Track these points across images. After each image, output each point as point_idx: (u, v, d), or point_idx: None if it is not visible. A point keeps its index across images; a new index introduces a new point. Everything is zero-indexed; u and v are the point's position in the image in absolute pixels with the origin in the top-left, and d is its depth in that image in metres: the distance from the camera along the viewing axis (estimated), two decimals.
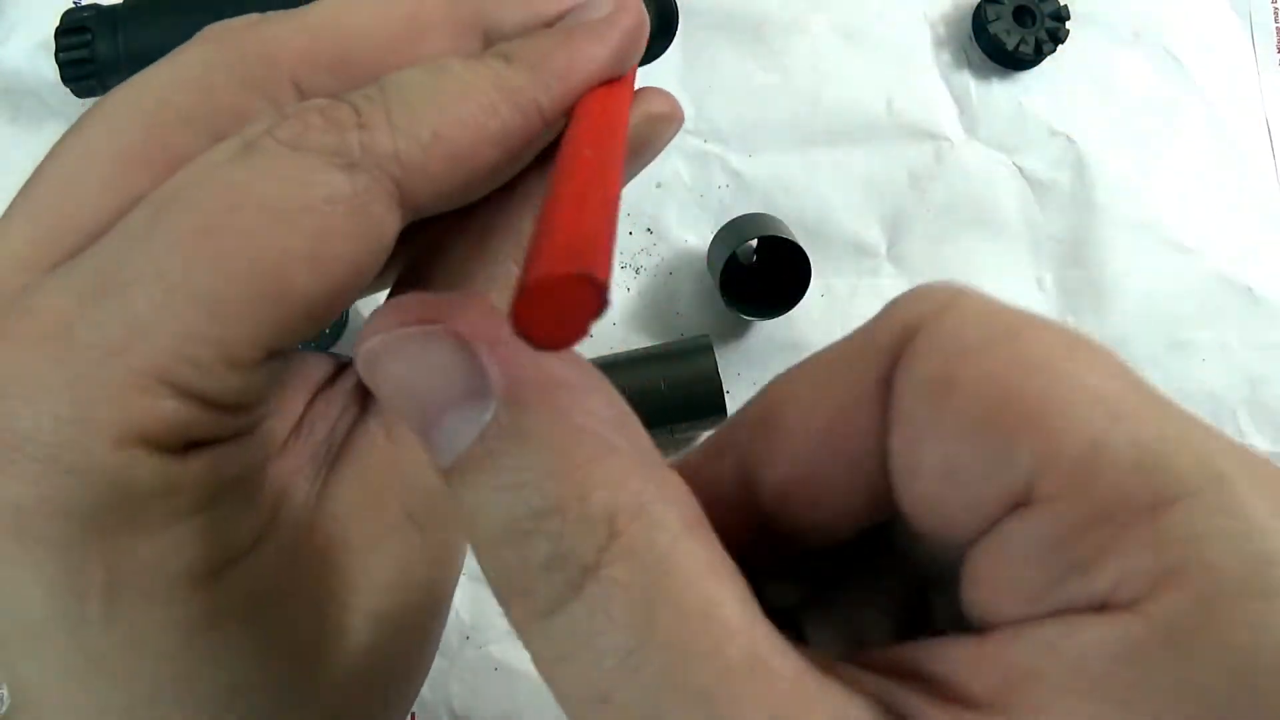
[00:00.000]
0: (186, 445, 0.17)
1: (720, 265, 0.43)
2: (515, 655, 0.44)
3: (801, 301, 0.44)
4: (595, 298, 0.12)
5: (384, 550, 0.19)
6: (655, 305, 0.47)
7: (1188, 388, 0.46)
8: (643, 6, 0.20)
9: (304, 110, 0.17)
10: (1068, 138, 0.49)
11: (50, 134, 0.49)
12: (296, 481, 0.19)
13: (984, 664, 0.13)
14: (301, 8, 0.19)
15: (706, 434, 0.46)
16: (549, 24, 0.20)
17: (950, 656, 0.14)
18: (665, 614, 0.12)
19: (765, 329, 0.46)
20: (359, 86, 0.18)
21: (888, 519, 0.16)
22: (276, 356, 0.17)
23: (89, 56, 0.47)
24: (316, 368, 0.20)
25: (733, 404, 0.45)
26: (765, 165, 0.48)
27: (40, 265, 0.17)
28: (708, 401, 0.42)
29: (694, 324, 0.47)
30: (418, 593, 0.20)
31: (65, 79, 0.47)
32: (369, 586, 0.19)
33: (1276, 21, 0.51)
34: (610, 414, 0.14)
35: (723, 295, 0.43)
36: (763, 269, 0.46)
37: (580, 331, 0.12)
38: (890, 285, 0.47)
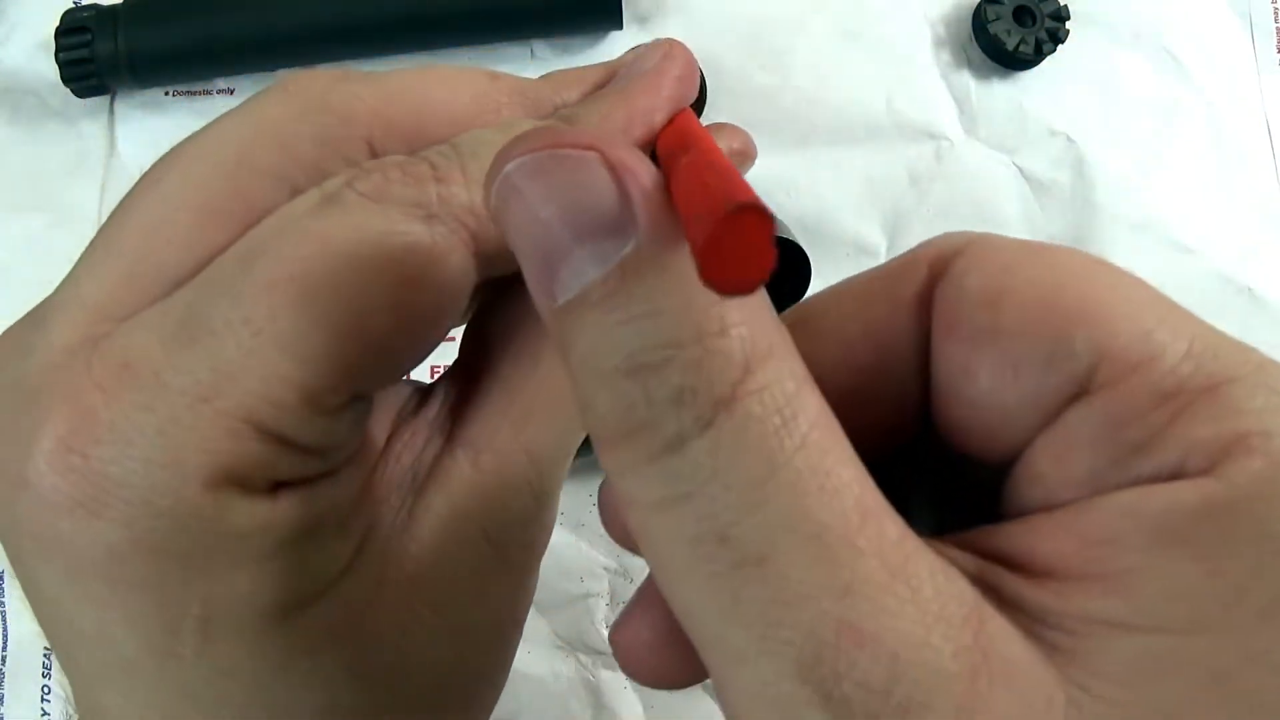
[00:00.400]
0: (275, 485, 0.17)
1: None
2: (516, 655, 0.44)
3: (802, 300, 0.43)
4: (764, 225, 0.12)
5: (466, 573, 0.19)
6: None
7: None
8: (689, 51, 0.21)
9: (383, 165, 0.18)
10: (1068, 138, 0.49)
11: (50, 134, 0.49)
12: (382, 510, 0.19)
13: (1058, 536, 0.14)
14: (379, 73, 0.19)
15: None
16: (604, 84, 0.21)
17: (1018, 535, 0.14)
18: (791, 453, 0.12)
19: None
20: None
21: (912, 440, 0.17)
22: (361, 400, 0.18)
23: (89, 56, 0.47)
24: (400, 396, 0.21)
25: None
26: (765, 165, 0.48)
27: (117, 314, 0.17)
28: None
29: None
30: (496, 613, 0.20)
31: (65, 79, 0.47)
32: (451, 607, 0.19)
33: (1276, 21, 0.51)
34: None
35: None
36: None
37: (768, 260, 0.12)
38: None
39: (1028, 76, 0.49)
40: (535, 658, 0.44)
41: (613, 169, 0.13)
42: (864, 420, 0.15)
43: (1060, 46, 0.48)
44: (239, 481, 0.16)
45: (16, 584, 0.45)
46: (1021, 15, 0.48)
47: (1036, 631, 0.13)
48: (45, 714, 0.43)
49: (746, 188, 0.13)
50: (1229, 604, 0.12)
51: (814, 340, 0.16)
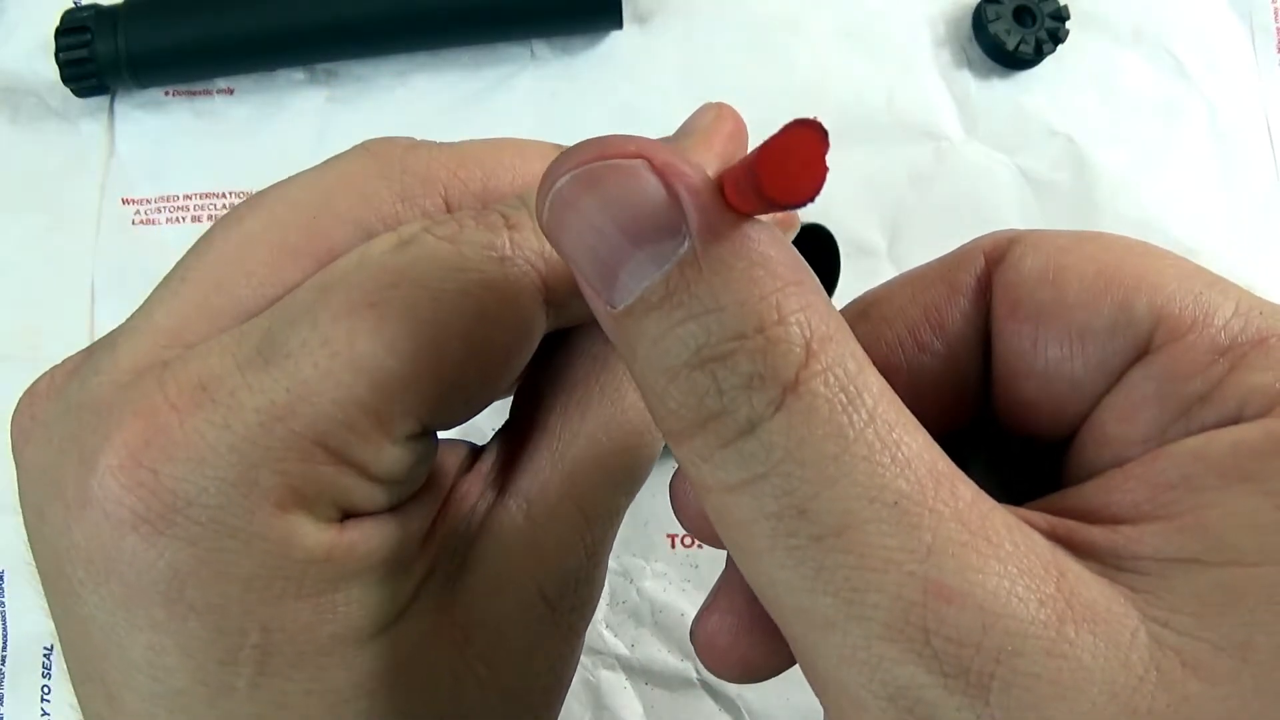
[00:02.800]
0: (344, 515, 0.17)
1: None
2: None
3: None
4: (822, 138, 0.12)
5: (518, 626, 0.20)
6: None
7: None
8: (737, 112, 0.23)
9: (458, 215, 0.18)
10: (1068, 138, 0.49)
11: (50, 134, 0.49)
12: (440, 559, 0.19)
13: (1129, 485, 0.14)
14: (453, 142, 0.20)
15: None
16: None
17: (1089, 492, 0.15)
18: (861, 428, 0.13)
19: None
20: None
21: (970, 427, 0.18)
22: (429, 435, 0.18)
23: (89, 56, 0.47)
24: (459, 454, 0.21)
25: None
26: None
27: (188, 340, 0.17)
28: None
29: None
30: (546, 668, 0.20)
31: (65, 79, 0.47)
32: (503, 663, 0.19)
33: (1276, 21, 0.51)
34: (790, 254, 0.14)
35: None
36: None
37: (820, 175, 0.13)
38: None
39: (1028, 76, 0.49)
40: None
41: (660, 173, 0.14)
42: (925, 406, 0.16)
43: (1060, 46, 0.48)
44: (309, 505, 0.16)
45: (17, 584, 0.45)
46: (1021, 15, 0.48)
47: (1113, 576, 0.14)
48: (45, 714, 0.43)
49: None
50: None
51: (878, 325, 0.17)
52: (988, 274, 0.17)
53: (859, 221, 0.48)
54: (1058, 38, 0.48)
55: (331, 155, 0.20)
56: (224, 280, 0.18)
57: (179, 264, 0.19)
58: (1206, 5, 0.50)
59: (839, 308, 0.50)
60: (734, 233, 0.14)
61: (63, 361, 0.19)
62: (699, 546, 0.45)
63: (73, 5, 0.49)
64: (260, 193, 0.19)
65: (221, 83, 0.50)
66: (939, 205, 0.48)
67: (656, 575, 0.44)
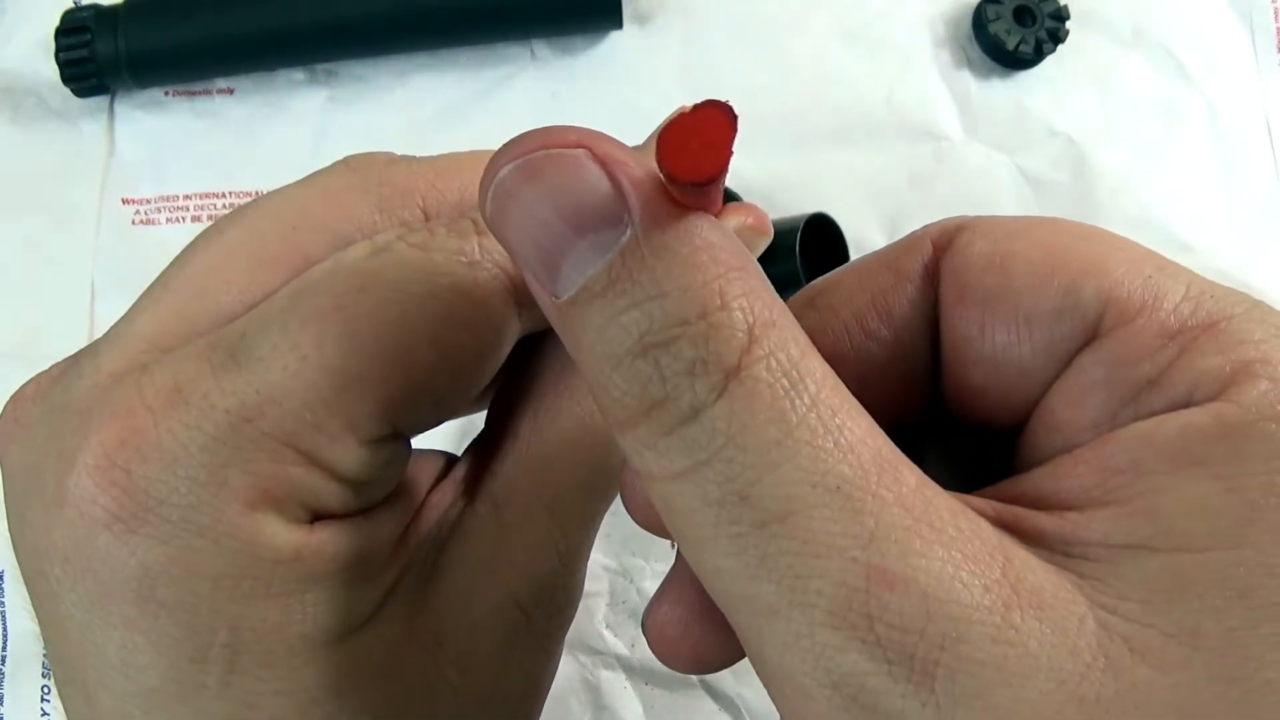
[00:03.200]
0: (314, 517, 0.17)
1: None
2: None
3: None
4: (729, 121, 0.13)
5: (491, 633, 0.20)
6: None
7: None
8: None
9: (432, 222, 0.19)
10: (1068, 138, 0.49)
11: (50, 134, 0.49)
12: (412, 565, 0.19)
13: (1078, 471, 0.14)
14: (433, 155, 0.21)
15: None
16: None
17: (1038, 478, 0.15)
18: (804, 413, 0.13)
19: None
20: None
21: (920, 418, 0.17)
22: (399, 439, 0.18)
23: (89, 56, 0.47)
24: (432, 463, 0.21)
25: None
26: (765, 165, 0.48)
27: (168, 345, 0.18)
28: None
29: None
30: (521, 675, 0.20)
31: (65, 79, 0.47)
32: (478, 671, 0.19)
33: (1276, 21, 0.51)
34: (732, 241, 0.14)
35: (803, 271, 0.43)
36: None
37: (723, 157, 0.13)
38: None
39: (1028, 76, 0.49)
40: None
41: (602, 162, 0.14)
42: (874, 393, 0.16)
43: (1060, 46, 0.48)
44: (278, 505, 0.17)
45: (17, 584, 0.45)
46: (1021, 15, 0.48)
47: (1061, 562, 0.13)
48: (45, 714, 0.43)
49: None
50: (1246, 520, 0.13)
51: (824, 313, 0.17)
52: (935, 261, 0.17)
53: (859, 221, 0.48)
54: (1058, 38, 0.48)
55: (331, 155, 0.20)
56: (204, 288, 0.18)
57: (162, 273, 0.19)
58: (1206, 5, 0.50)
59: None
60: (677, 220, 0.14)
61: (49, 367, 0.19)
62: None
63: (73, 5, 0.49)
64: (242, 206, 0.19)
65: (221, 83, 0.50)
66: (939, 205, 0.48)
67: (656, 575, 0.44)
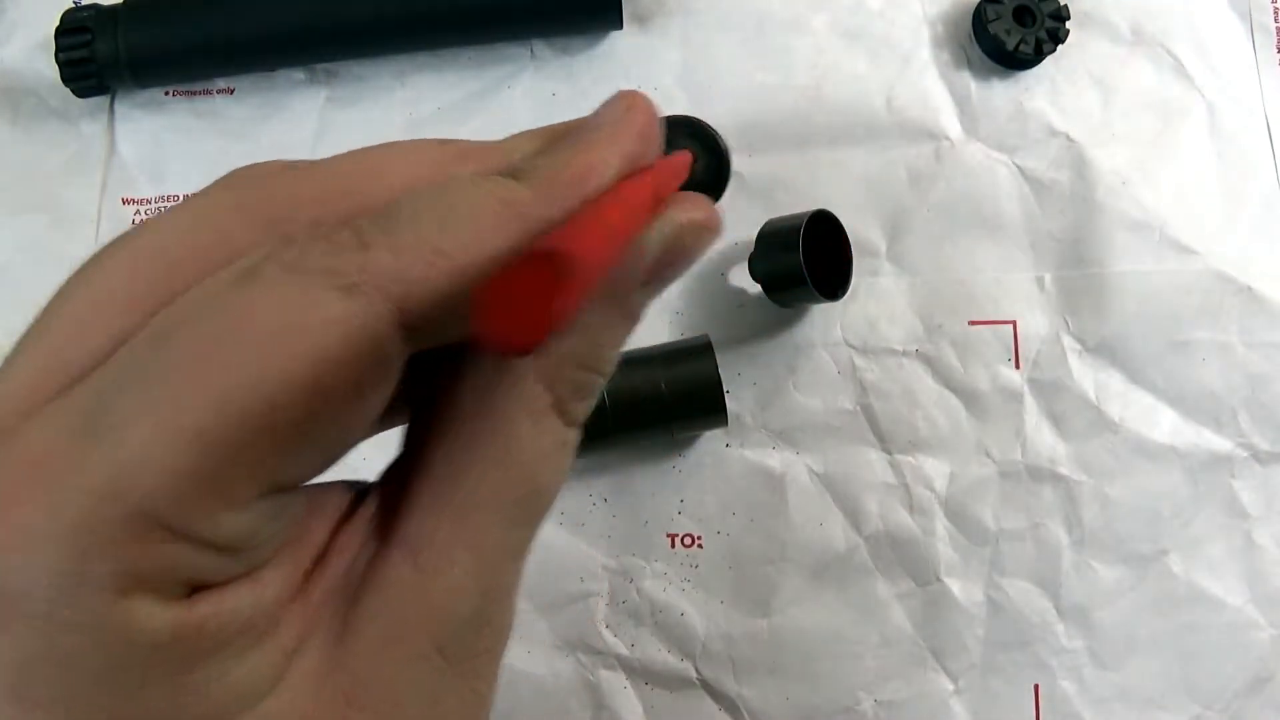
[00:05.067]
0: (191, 589, 0.16)
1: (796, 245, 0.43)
2: (513, 654, 0.44)
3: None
4: (556, 277, 0.10)
5: (412, 685, 0.18)
6: (655, 304, 0.47)
7: (1188, 388, 0.46)
8: (651, 104, 0.21)
9: (308, 235, 0.17)
10: (1068, 138, 0.49)
11: (50, 134, 0.49)
12: (319, 617, 0.18)
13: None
14: (324, 158, 0.19)
15: (707, 433, 0.46)
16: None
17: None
18: None
19: (763, 328, 0.46)
20: None
21: None
22: (282, 493, 0.17)
23: (89, 56, 0.47)
24: (336, 500, 0.20)
25: (733, 404, 0.45)
26: (765, 165, 0.48)
27: (29, 409, 0.16)
28: (708, 402, 0.42)
29: (694, 324, 0.47)
30: None
31: (65, 79, 0.47)
32: None
33: (1276, 21, 0.51)
34: None
35: (807, 275, 0.43)
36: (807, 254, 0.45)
37: (545, 325, 0.10)
38: (891, 285, 0.47)
39: (1028, 76, 0.49)
40: (535, 658, 0.44)
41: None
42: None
43: (1060, 46, 0.48)
44: (150, 587, 0.15)
45: None
46: (1021, 15, 0.48)
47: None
48: None
49: (575, 237, 0.11)
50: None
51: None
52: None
53: (859, 221, 0.48)
54: (1058, 38, 0.48)
55: (331, 155, 0.19)
56: (68, 338, 0.17)
57: (34, 320, 0.18)
58: (1206, 5, 0.50)
59: (848, 302, 0.50)
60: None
61: None
62: (699, 546, 0.45)
63: (73, 5, 0.49)
64: (119, 237, 0.18)
65: (221, 83, 0.50)
66: (939, 205, 0.48)
67: (656, 575, 0.44)
